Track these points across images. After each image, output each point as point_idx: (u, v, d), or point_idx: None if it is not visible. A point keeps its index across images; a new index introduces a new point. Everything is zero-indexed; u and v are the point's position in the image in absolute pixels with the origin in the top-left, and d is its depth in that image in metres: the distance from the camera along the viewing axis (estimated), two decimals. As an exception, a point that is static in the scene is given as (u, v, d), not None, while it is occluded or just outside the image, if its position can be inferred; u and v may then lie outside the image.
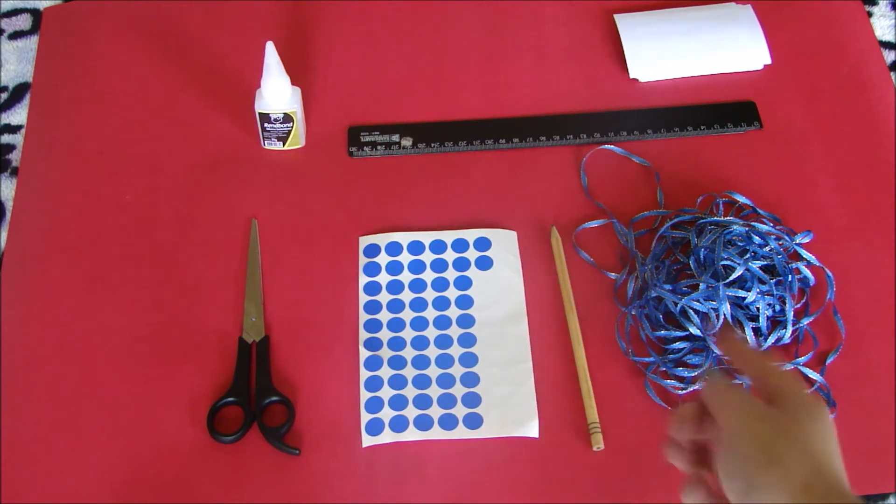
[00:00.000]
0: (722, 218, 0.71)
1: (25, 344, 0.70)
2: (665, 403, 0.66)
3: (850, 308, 0.70)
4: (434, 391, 0.67)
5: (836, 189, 0.76)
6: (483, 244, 0.73)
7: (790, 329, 0.68)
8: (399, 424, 0.66)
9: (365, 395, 0.67)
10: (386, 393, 0.67)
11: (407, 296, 0.72)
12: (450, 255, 0.73)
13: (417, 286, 0.72)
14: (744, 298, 0.67)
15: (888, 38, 0.85)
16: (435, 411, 0.67)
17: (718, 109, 0.80)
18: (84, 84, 0.83)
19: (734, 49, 0.82)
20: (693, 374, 0.67)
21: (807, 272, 0.70)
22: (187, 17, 0.86)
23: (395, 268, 0.73)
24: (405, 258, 0.73)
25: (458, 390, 0.67)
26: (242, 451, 0.66)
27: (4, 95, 0.83)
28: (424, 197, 0.76)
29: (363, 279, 0.72)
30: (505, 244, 0.73)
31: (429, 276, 0.72)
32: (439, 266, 0.73)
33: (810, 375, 0.67)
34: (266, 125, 0.76)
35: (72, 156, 0.79)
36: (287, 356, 0.69)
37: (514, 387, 0.67)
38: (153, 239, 0.74)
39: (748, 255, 0.68)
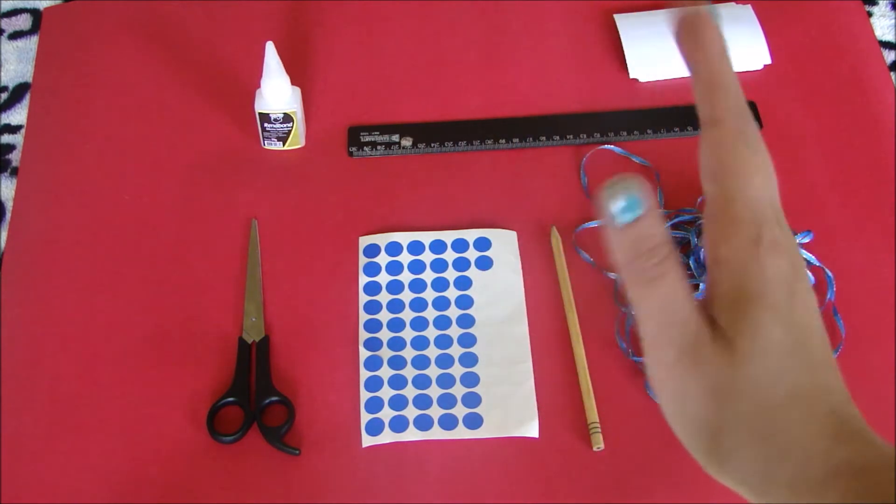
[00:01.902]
0: (722, 218, 0.71)
1: (25, 344, 0.70)
2: (665, 403, 0.66)
3: (850, 308, 0.70)
4: (434, 391, 0.67)
5: (836, 189, 0.76)
6: (483, 244, 0.73)
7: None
8: (399, 424, 0.66)
9: (365, 395, 0.67)
10: (386, 393, 0.67)
11: (407, 296, 0.72)
12: (450, 255, 0.73)
13: (417, 286, 0.72)
14: (744, 298, 0.67)
15: (888, 38, 0.85)
16: (435, 411, 0.67)
17: (718, 109, 0.80)
18: (84, 84, 0.83)
19: (734, 49, 0.81)
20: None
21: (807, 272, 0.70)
22: (187, 17, 0.86)
23: (395, 268, 0.73)
24: (405, 258, 0.73)
25: (458, 390, 0.67)
26: (242, 451, 0.66)
27: (4, 95, 0.83)
28: (424, 197, 0.76)
29: (363, 279, 0.72)
30: (505, 244, 0.73)
31: (429, 276, 0.72)
32: (439, 266, 0.73)
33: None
34: (266, 125, 0.76)
35: (72, 156, 0.79)
36: (287, 356, 0.69)
37: (514, 387, 0.67)
38: (153, 239, 0.74)
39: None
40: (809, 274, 0.70)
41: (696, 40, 0.38)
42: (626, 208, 0.35)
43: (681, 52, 0.38)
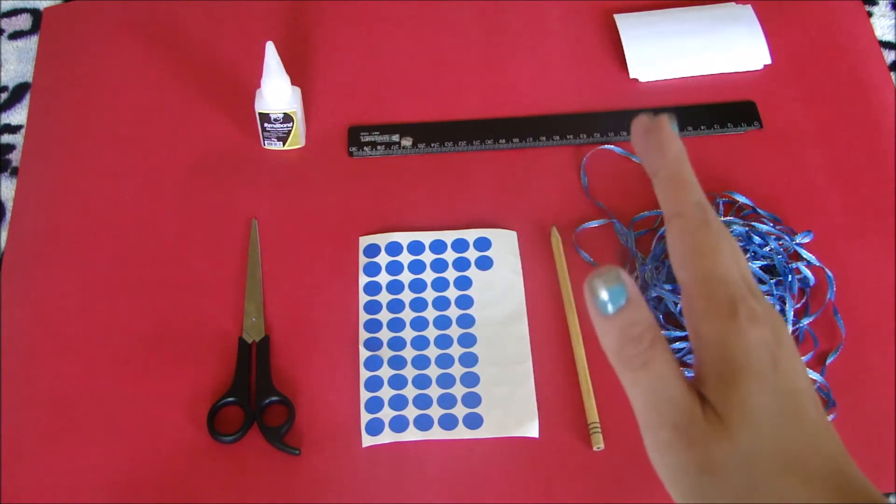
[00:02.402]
0: (722, 218, 0.71)
1: (25, 344, 0.70)
2: (665, 403, 0.66)
3: (850, 308, 0.70)
4: (434, 391, 0.67)
5: (836, 189, 0.76)
6: (483, 244, 0.73)
7: (790, 329, 0.68)
8: (399, 424, 0.66)
9: (365, 395, 0.67)
10: (386, 393, 0.67)
11: (407, 296, 0.72)
12: (450, 255, 0.73)
13: (417, 286, 0.72)
14: (744, 298, 0.67)
15: (888, 38, 0.85)
16: (435, 411, 0.67)
17: (718, 109, 0.80)
18: (84, 84, 0.83)
19: (734, 49, 0.82)
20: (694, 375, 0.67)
21: (807, 272, 0.70)
22: (187, 17, 0.86)
23: (395, 268, 0.73)
24: (405, 258, 0.73)
25: (458, 390, 0.67)
26: (242, 451, 0.66)
27: (4, 95, 0.83)
28: (424, 197, 0.76)
29: (363, 279, 0.72)
30: (505, 244, 0.73)
31: (429, 276, 0.72)
32: (439, 266, 0.73)
33: (810, 375, 0.67)
34: (266, 125, 0.76)
35: (72, 156, 0.79)
36: (287, 356, 0.69)
37: (514, 387, 0.67)
38: (153, 239, 0.74)
39: (748, 255, 0.68)
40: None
41: (655, 145, 0.40)
42: (611, 298, 0.37)
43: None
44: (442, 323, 0.70)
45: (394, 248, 0.73)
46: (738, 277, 0.37)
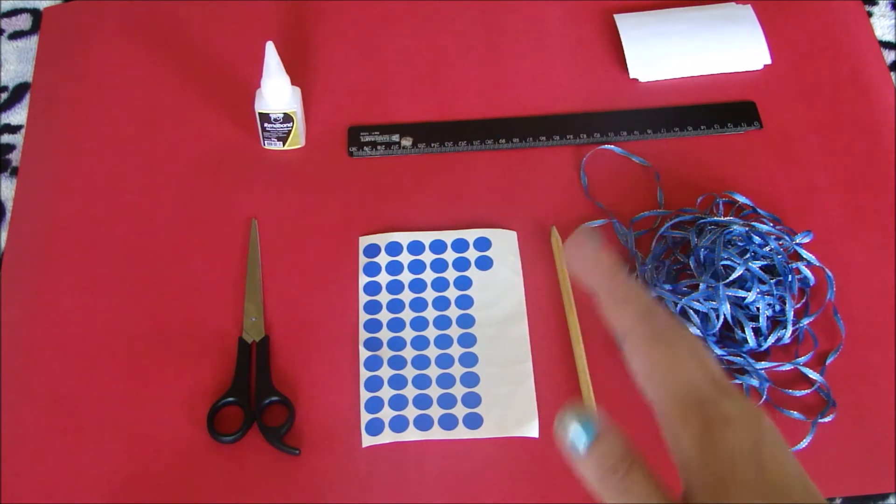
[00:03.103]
0: (722, 218, 0.71)
1: (25, 344, 0.70)
2: (665, 403, 0.66)
3: (850, 308, 0.70)
4: (434, 391, 0.67)
5: (836, 189, 0.76)
6: (483, 244, 0.73)
7: (790, 329, 0.68)
8: (399, 424, 0.66)
9: (365, 395, 0.67)
10: (386, 393, 0.67)
11: (407, 296, 0.72)
12: (450, 255, 0.73)
13: (417, 286, 0.72)
14: (744, 298, 0.67)
15: (888, 38, 0.85)
16: (435, 411, 0.67)
17: (718, 109, 0.80)
18: (84, 84, 0.83)
19: (734, 49, 0.82)
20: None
21: (807, 272, 0.70)
22: (187, 17, 0.86)
23: (395, 268, 0.73)
24: (405, 258, 0.73)
25: (458, 390, 0.67)
26: (242, 451, 0.66)
27: (4, 95, 0.83)
28: (424, 197, 0.76)
29: (363, 279, 0.72)
30: (505, 244, 0.73)
31: (429, 276, 0.72)
32: (439, 266, 0.73)
33: (810, 375, 0.67)
34: (266, 125, 0.76)
35: (72, 156, 0.79)
36: (287, 356, 0.69)
37: (514, 387, 0.67)
38: (153, 239, 0.74)
39: (748, 255, 0.68)
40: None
41: (588, 263, 0.40)
42: (582, 433, 0.37)
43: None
44: (442, 323, 0.70)
45: (394, 248, 0.73)
46: (702, 379, 0.37)
